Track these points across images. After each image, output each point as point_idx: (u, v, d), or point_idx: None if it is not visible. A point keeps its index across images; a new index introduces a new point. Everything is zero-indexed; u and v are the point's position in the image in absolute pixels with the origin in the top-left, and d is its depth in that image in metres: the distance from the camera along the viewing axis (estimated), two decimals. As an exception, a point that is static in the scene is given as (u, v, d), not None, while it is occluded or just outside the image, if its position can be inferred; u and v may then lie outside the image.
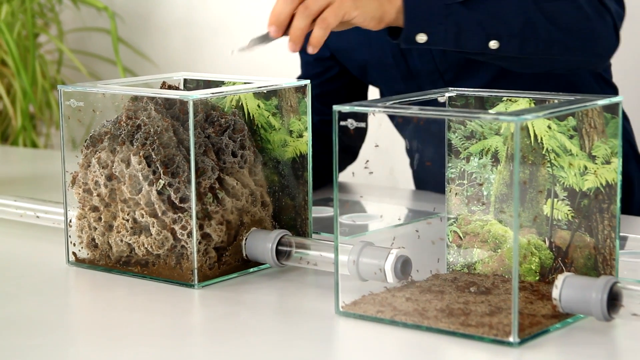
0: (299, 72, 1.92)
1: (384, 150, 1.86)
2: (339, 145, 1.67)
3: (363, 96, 1.82)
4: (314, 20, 1.30)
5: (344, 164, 1.80)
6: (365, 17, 1.32)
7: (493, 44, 1.38)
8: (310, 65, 1.78)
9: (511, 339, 0.99)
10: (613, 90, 1.74)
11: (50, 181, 1.84)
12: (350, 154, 1.82)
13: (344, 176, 1.81)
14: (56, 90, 3.09)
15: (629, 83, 2.23)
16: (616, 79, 1.80)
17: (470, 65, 1.61)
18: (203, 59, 3.06)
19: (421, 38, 1.36)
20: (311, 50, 1.31)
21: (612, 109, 1.08)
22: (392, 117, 1.74)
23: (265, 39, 1.32)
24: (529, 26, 1.40)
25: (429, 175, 1.74)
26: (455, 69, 1.61)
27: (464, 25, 1.37)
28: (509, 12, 1.39)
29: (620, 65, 1.98)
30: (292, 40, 1.31)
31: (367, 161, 1.78)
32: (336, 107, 1.07)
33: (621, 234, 1.34)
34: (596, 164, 1.09)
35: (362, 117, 1.06)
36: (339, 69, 1.76)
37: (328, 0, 1.29)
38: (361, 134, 1.85)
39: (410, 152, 1.83)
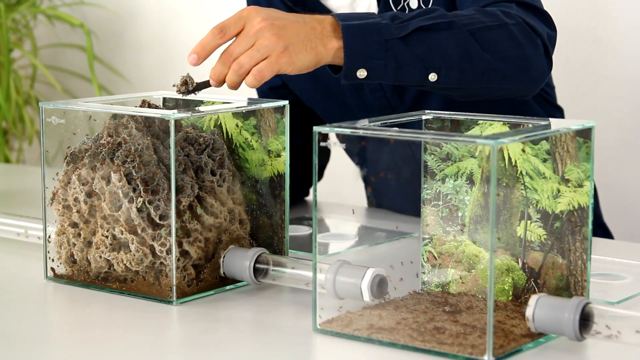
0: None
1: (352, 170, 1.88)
2: (304, 165, 1.70)
3: (319, 122, 1.84)
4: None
5: (310, 182, 1.82)
6: (300, 69, 1.31)
7: (432, 77, 1.39)
8: (265, 95, 1.80)
9: (486, 358, 1.01)
10: (559, 112, 1.77)
11: (24, 196, 1.84)
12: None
13: (324, 195, 1.83)
14: (29, 106, 3.10)
15: (574, 104, 2.27)
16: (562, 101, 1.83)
17: (420, 99, 1.64)
18: (177, 77, 3.07)
19: (361, 73, 1.36)
20: (232, 89, 1.30)
21: (585, 133, 1.10)
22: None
23: (205, 85, 1.31)
24: (466, 57, 1.41)
25: (393, 195, 1.77)
26: (407, 103, 1.65)
27: (403, 60, 1.38)
28: (447, 45, 1.40)
29: (566, 88, 2.02)
30: (229, 86, 1.30)
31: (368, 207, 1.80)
32: (316, 128, 1.09)
33: (597, 256, 1.37)
34: (569, 187, 1.11)
35: (342, 138, 1.09)
36: (292, 97, 1.77)
37: (262, 54, 1.28)
38: (326, 153, 1.88)
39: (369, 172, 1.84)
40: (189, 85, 1.30)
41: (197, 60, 1.30)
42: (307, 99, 1.74)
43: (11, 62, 2.99)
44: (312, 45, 1.32)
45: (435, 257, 1.21)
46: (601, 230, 1.76)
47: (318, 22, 1.34)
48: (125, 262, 1.22)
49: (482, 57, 1.41)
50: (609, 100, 2.39)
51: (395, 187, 1.76)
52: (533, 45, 1.46)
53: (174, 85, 1.32)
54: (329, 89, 1.70)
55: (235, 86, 1.29)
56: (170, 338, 1.14)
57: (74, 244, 1.27)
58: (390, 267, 1.22)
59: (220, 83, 1.30)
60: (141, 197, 1.20)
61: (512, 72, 1.45)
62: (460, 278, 1.19)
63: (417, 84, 1.41)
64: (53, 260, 1.30)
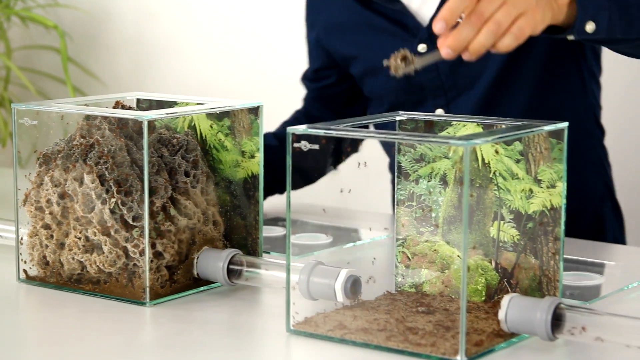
0: (243, 91, 1.93)
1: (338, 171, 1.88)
2: (309, 165, 1.70)
3: (362, 103, 1.85)
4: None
5: (313, 181, 1.81)
6: (544, 26, 1.29)
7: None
8: (308, 79, 1.85)
9: (458, 358, 1.01)
10: (600, 131, 1.76)
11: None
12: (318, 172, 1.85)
13: (299, 196, 1.82)
14: (3, 108, 3.08)
15: (616, 128, 2.27)
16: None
17: (472, 82, 1.65)
18: (152, 78, 3.07)
19: (590, 27, 1.35)
20: (471, 57, 1.22)
21: (558, 134, 1.11)
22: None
23: (431, 59, 1.23)
24: None
25: None
26: (460, 86, 1.65)
27: (622, 10, 1.38)
28: None
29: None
30: (471, 53, 1.21)
31: (350, 190, 1.80)
32: (290, 129, 1.09)
33: (570, 256, 1.38)
34: (542, 187, 1.12)
35: (316, 139, 1.08)
36: (335, 79, 1.82)
37: (519, 10, 1.23)
38: (337, 155, 1.89)
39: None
40: (408, 60, 1.19)
41: (445, 29, 1.20)
42: (358, 74, 1.76)
43: (-16, 64, 2.97)
44: (550, 3, 1.30)
45: (409, 258, 1.21)
46: (612, 204, 1.77)
47: None
48: (98, 263, 1.22)
49: None
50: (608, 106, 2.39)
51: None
52: None
53: (386, 64, 1.21)
54: (380, 68, 1.69)
55: (482, 51, 1.21)
56: (143, 339, 1.13)
57: (47, 246, 1.26)
58: (371, 263, 1.23)
59: (457, 53, 1.21)
60: (114, 198, 1.20)
61: None
62: (434, 278, 1.19)
63: (620, 37, 1.39)
64: (25, 262, 1.29)
